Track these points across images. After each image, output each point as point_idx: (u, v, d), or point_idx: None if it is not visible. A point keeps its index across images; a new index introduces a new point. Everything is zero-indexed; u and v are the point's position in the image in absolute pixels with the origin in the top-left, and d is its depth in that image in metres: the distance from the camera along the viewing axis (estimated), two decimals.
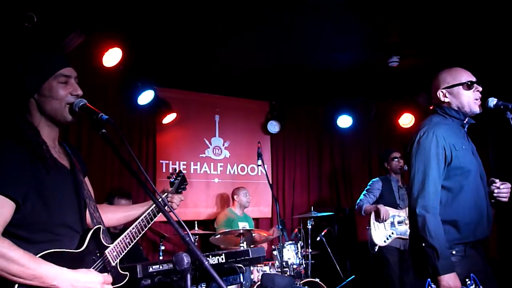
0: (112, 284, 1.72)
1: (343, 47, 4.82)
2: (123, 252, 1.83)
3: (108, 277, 1.67)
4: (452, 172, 2.35)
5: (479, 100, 2.43)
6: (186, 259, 1.38)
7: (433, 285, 2.26)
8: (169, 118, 5.66)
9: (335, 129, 6.64)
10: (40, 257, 1.52)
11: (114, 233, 1.96)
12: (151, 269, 2.34)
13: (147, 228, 2.01)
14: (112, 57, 4.42)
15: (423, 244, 2.27)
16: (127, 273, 1.82)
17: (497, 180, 2.45)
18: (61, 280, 1.52)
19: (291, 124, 6.70)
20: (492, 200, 2.45)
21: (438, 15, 4.04)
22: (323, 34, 4.47)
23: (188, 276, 1.39)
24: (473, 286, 2.21)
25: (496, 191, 2.43)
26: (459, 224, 2.31)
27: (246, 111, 6.54)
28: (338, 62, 5.22)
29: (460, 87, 2.43)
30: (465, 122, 2.49)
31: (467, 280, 2.22)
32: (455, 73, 2.47)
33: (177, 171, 2.42)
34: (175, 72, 5.43)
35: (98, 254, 1.73)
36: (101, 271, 1.70)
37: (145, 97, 5.20)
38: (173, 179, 2.36)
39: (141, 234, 1.97)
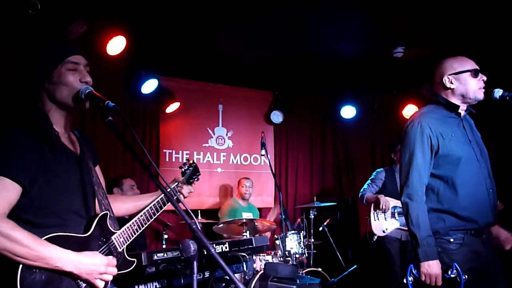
0: (119, 269, 1.74)
1: (347, 37, 4.78)
2: (130, 238, 1.85)
3: (112, 260, 1.69)
4: (441, 161, 2.37)
5: (482, 88, 2.43)
6: (192, 246, 1.39)
7: (414, 271, 2.30)
8: (173, 107, 5.65)
9: (338, 120, 6.63)
10: (45, 239, 1.54)
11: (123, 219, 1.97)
12: (155, 257, 2.36)
13: (155, 216, 2.02)
14: (116, 45, 4.39)
15: (408, 231, 2.35)
16: (134, 259, 1.84)
17: None
18: (65, 262, 1.54)
19: (295, 114, 6.68)
20: None
21: (444, 5, 4.00)
22: (327, 23, 4.44)
23: (195, 263, 1.40)
24: (455, 276, 2.21)
25: None
26: (456, 212, 2.32)
27: (250, 101, 6.53)
28: (342, 52, 5.19)
29: (468, 73, 2.43)
30: (460, 111, 2.48)
31: (449, 269, 2.23)
32: (462, 60, 2.48)
33: (189, 161, 2.37)
34: (179, 61, 5.41)
35: (104, 240, 1.75)
36: (107, 256, 1.72)
37: (149, 86, 5.20)
38: (184, 169, 2.32)
39: (149, 222, 1.98)
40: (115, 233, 1.80)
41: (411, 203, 2.35)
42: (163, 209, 2.05)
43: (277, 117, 6.43)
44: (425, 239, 2.26)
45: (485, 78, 2.43)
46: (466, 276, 2.19)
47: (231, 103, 6.35)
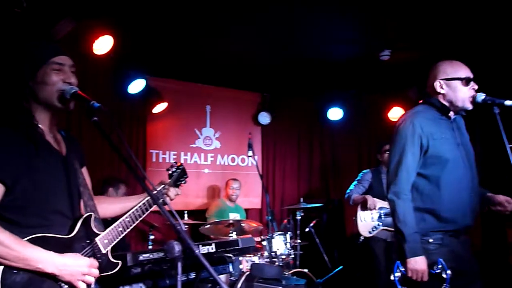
0: (103, 272, 1.73)
1: (335, 40, 4.82)
2: (114, 240, 1.83)
3: (94, 262, 1.68)
4: (429, 161, 2.41)
5: (471, 97, 2.45)
6: (177, 247, 1.40)
7: (401, 267, 2.33)
8: (160, 107, 5.63)
9: (325, 121, 6.67)
10: (28, 240, 1.53)
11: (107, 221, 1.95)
12: (141, 257, 2.35)
13: (142, 218, 1.99)
14: (103, 44, 4.37)
15: (395, 228, 2.39)
16: (119, 261, 1.83)
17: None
18: (46, 264, 1.53)
19: (282, 116, 6.70)
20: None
21: (431, 9, 4.05)
22: (315, 26, 4.47)
23: (179, 264, 1.40)
24: (440, 271, 2.25)
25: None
26: (437, 212, 2.36)
27: (238, 102, 6.53)
28: (330, 54, 5.22)
29: (459, 81, 2.45)
30: (450, 115, 2.52)
31: (434, 265, 2.27)
32: (456, 66, 2.49)
33: (177, 163, 2.35)
34: (167, 62, 5.39)
35: (88, 241, 1.74)
36: (91, 257, 1.70)
37: (136, 86, 5.17)
38: (172, 171, 2.30)
39: (135, 224, 1.95)
40: (99, 234, 1.78)
41: (397, 201, 2.38)
42: (149, 211, 2.03)
43: (264, 118, 6.45)
44: (412, 235, 2.30)
45: (476, 87, 2.45)
46: (450, 272, 2.23)
47: (219, 104, 6.35)
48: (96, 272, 1.67)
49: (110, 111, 1.55)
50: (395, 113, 6.21)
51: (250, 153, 4.85)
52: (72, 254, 1.63)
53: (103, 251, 1.77)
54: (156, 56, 5.20)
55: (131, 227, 1.93)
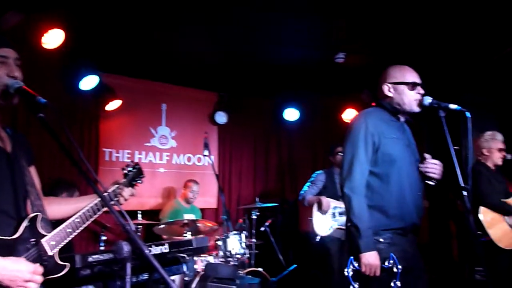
0: (49, 274, 1.66)
1: (292, 42, 4.89)
2: (62, 241, 1.76)
3: (39, 268, 1.61)
4: (380, 159, 2.49)
5: (418, 100, 2.55)
6: (126, 247, 1.37)
7: (354, 263, 2.39)
8: (114, 105, 5.49)
9: (282, 122, 6.75)
10: None
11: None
12: (90, 258, 2.27)
13: (93, 218, 1.91)
14: (53, 38, 4.21)
15: (348, 224, 2.44)
16: (67, 263, 1.76)
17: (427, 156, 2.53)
18: None
19: (239, 116, 6.71)
20: (430, 182, 2.53)
21: (385, 13, 4.19)
22: (273, 28, 4.52)
23: (128, 264, 1.38)
24: (392, 266, 2.33)
25: (424, 168, 2.51)
26: (385, 208, 2.45)
27: (194, 101, 6.48)
28: (286, 56, 5.28)
29: (405, 86, 2.55)
30: (400, 116, 2.63)
31: (386, 260, 2.34)
32: (404, 71, 2.59)
33: (133, 162, 2.30)
34: (122, 58, 5.26)
35: (33, 243, 1.66)
36: (36, 260, 1.64)
37: (88, 82, 5.02)
38: (127, 171, 2.23)
39: (85, 225, 1.87)
40: (46, 236, 1.71)
41: (353, 195, 2.44)
42: (101, 212, 1.96)
43: (221, 117, 6.44)
44: (367, 230, 2.36)
45: (422, 92, 2.55)
46: (401, 266, 2.30)
47: (175, 103, 6.28)
48: (39, 279, 1.59)
49: (58, 108, 1.50)
50: (349, 114, 6.38)
51: (206, 152, 4.83)
52: (14, 258, 1.55)
53: (50, 253, 1.70)
54: (110, 52, 5.06)
55: (81, 228, 1.87)
